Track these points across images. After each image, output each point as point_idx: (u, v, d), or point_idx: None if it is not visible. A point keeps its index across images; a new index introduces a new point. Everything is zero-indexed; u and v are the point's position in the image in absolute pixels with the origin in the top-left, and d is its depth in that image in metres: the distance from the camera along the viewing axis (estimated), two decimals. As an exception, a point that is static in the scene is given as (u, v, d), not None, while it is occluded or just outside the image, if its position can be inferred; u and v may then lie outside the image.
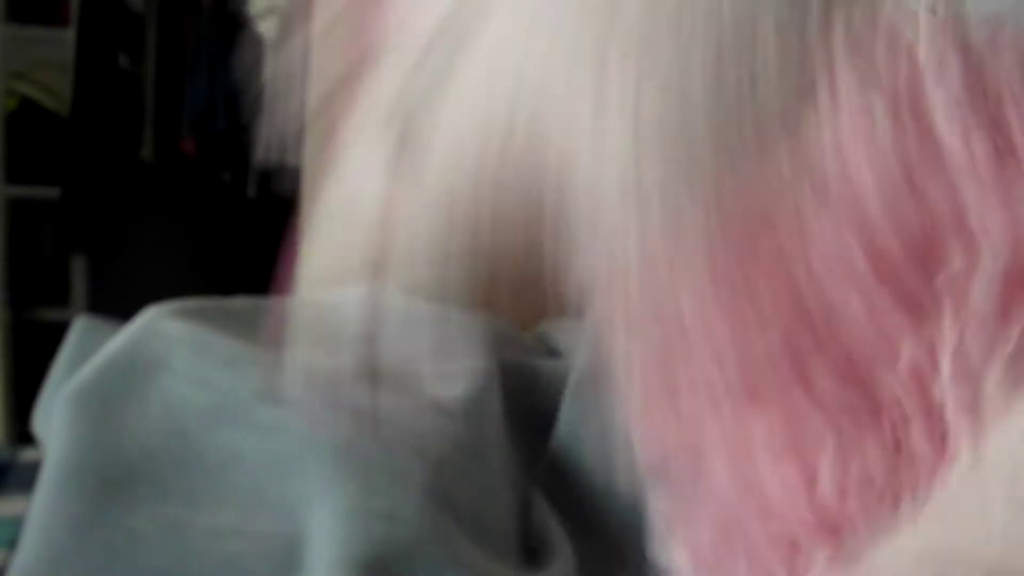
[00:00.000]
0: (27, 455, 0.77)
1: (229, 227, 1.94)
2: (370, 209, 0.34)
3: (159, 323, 0.67)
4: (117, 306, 1.32)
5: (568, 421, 0.72)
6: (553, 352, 0.93)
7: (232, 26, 1.80)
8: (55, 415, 0.59)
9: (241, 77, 1.83)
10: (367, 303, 0.89)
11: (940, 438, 0.21)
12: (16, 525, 0.63)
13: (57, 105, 1.84)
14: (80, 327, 0.77)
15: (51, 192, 1.81)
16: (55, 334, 0.98)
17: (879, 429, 0.22)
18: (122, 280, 2.15)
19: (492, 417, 0.69)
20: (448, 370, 0.74)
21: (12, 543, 0.60)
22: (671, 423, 0.27)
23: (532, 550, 0.64)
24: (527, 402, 0.79)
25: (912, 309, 0.21)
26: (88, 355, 0.69)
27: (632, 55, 0.22)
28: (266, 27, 1.81)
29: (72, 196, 1.82)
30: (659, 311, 0.25)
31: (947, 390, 0.21)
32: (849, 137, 0.22)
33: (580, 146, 0.25)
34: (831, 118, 0.22)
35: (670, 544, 0.29)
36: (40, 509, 0.53)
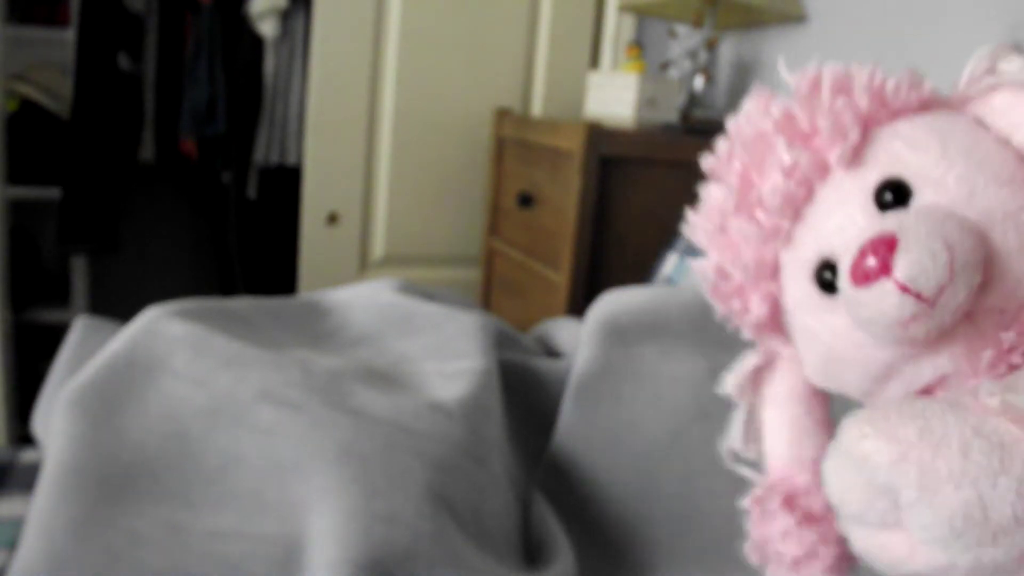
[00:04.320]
0: (27, 456, 0.77)
1: (229, 228, 1.95)
2: None
3: (159, 323, 0.67)
4: (118, 307, 1.32)
5: (568, 421, 0.72)
6: (552, 352, 0.93)
7: (232, 27, 1.81)
8: (55, 416, 0.59)
9: (241, 78, 1.84)
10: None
11: None
12: (16, 526, 0.63)
13: (57, 106, 1.84)
14: (80, 327, 0.77)
15: (52, 193, 1.81)
16: (55, 335, 0.98)
17: None
18: (123, 281, 2.16)
19: (492, 418, 0.69)
20: (448, 370, 0.74)
21: (12, 544, 0.60)
22: None
23: (532, 550, 0.64)
24: (527, 402, 0.79)
25: None
26: (88, 355, 0.68)
27: None
28: (266, 27, 1.82)
29: (73, 197, 1.82)
30: None
31: None
32: None
33: None
34: None
35: None
36: (40, 511, 0.52)
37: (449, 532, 0.53)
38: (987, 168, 0.35)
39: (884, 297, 0.33)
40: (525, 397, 0.78)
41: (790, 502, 0.44)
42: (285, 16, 1.81)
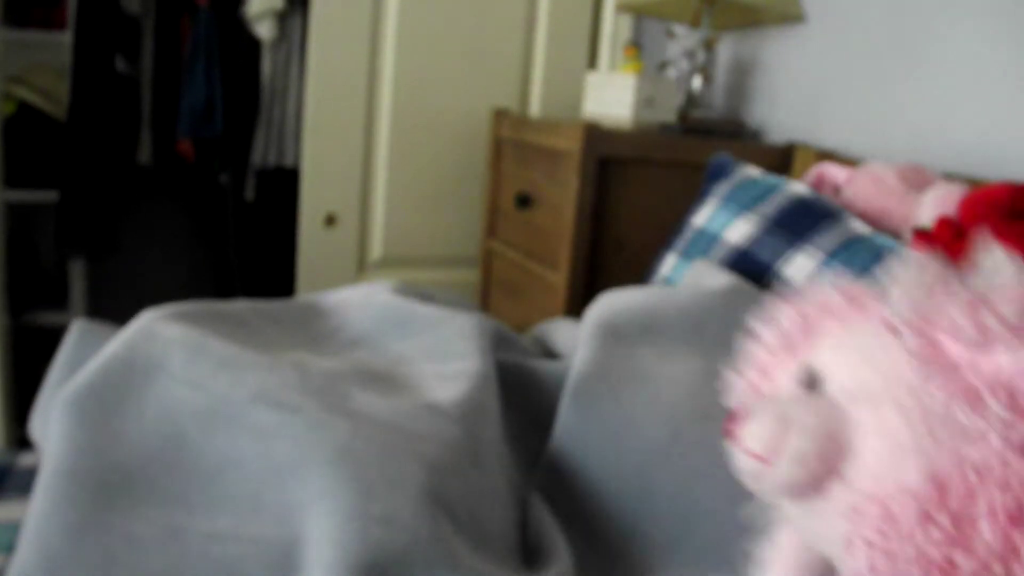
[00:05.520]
0: (25, 460, 0.77)
1: (227, 230, 1.94)
2: None
3: (156, 326, 0.67)
4: (116, 309, 1.32)
5: (566, 422, 0.72)
6: (550, 353, 0.93)
7: (229, 29, 1.81)
8: (52, 419, 0.59)
9: (238, 80, 1.84)
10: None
11: None
12: (13, 530, 0.63)
13: (55, 109, 1.84)
14: (77, 330, 0.77)
15: (49, 196, 1.81)
16: (54, 337, 0.98)
17: None
18: (121, 283, 2.15)
19: (489, 419, 0.69)
20: (446, 371, 0.74)
21: (9, 547, 0.60)
22: None
23: (530, 552, 0.64)
24: (525, 403, 0.79)
25: None
26: (85, 358, 0.68)
27: None
28: (263, 29, 1.82)
29: (70, 200, 1.81)
30: None
31: None
32: None
33: None
34: None
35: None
36: (36, 514, 0.52)
37: (446, 534, 0.53)
38: (878, 367, 0.45)
39: (738, 455, 0.46)
40: (523, 398, 0.78)
41: None
42: (282, 18, 1.81)
